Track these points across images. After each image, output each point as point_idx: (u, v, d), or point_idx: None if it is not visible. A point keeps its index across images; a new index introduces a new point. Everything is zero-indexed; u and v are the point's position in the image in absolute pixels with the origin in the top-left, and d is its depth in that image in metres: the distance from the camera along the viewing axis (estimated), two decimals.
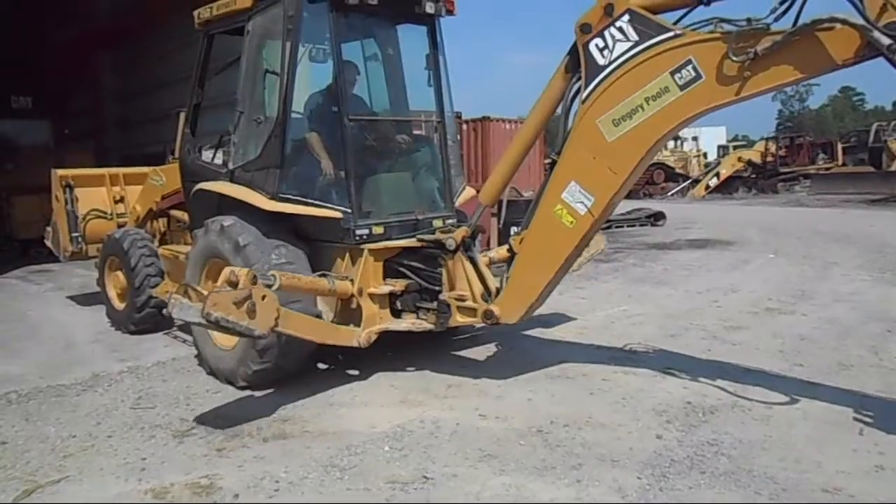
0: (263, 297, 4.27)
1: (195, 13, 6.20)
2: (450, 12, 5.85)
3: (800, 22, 3.75)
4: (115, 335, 7.27)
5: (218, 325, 4.12)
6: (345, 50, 5.54)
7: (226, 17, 5.90)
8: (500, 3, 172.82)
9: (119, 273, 7.31)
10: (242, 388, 5.19)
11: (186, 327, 6.25)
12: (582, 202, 4.53)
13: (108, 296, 7.56)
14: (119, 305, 7.39)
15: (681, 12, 4.25)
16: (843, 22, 3.61)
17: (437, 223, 5.73)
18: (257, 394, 5.12)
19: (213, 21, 6.07)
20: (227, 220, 5.29)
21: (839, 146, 32.98)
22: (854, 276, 9.54)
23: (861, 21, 3.56)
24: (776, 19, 3.82)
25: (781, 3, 3.79)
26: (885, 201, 22.39)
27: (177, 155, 6.74)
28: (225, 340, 5.39)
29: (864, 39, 3.55)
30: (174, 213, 7.41)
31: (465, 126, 14.08)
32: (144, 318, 7.07)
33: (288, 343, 4.95)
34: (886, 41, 3.46)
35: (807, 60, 3.78)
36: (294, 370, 5.27)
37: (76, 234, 8.26)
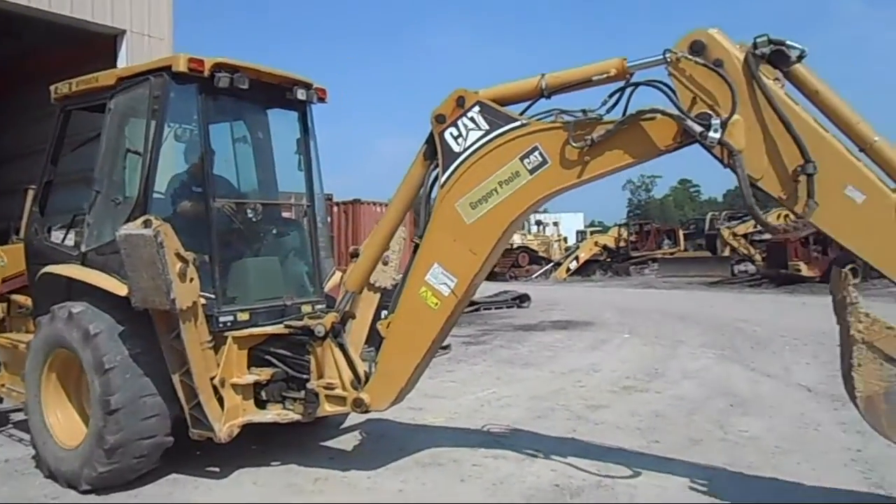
0: (192, 280, 4.62)
1: (51, 88, 5.90)
2: (321, 100, 5.93)
3: (628, 112, 4.15)
4: None
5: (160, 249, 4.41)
6: (213, 131, 5.46)
7: (86, 93, 5.65)
8: (371, 92, 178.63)
9: None
10: (86, 493, 4.71)
11: (24, 425, 5.64)
12: (445, 283, 4.63)
13: None
14: None
15: (525, 104, 4.56)
16: (662, 112, 4.04)
17: (306, 309, 5.62)
18: (102, 500, 4.66)
19: (71, 96, 5.80)
20: (77, 307, 4.91)
21: (681, 233, 36.18)
22: (699, 354, 10.31)
23: (677, 112, 4.00)
24: (608, 110, 4.19)
25: (611, 97, 4.19)
26: (721, 283, 25.34)
27: (22, 235, 6.24)
28: (68, 439, 4.93)
29: (681, 127, 3.98)
30: (15, 297, 6.76)
31: (335, 208, 14.14)
32: None
33: (138, 442, 4.64)
34: (698, 129, 3.88)
35: (635, 146, 4.16)
36: (145, 471, 4.87)
37: None
